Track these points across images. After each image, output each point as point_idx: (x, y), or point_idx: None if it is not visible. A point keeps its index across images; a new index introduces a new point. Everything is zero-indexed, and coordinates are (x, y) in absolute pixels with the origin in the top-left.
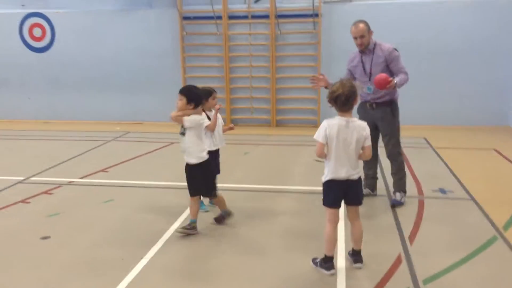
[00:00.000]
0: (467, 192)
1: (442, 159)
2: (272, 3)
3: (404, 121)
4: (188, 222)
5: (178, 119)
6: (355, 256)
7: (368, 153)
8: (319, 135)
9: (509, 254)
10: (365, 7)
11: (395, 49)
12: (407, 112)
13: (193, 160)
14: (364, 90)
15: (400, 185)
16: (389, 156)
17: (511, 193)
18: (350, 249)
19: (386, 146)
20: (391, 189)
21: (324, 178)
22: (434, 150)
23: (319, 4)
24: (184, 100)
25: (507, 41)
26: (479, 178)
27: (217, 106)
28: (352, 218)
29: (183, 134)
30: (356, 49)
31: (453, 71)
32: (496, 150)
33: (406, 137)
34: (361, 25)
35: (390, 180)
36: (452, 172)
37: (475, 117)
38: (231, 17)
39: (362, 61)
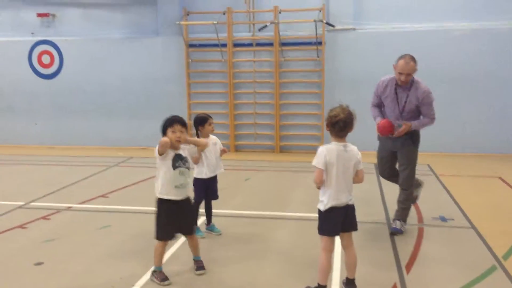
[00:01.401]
0: (468, 220)
1: (444, 187)
2: (276, 31)
3: None
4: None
5: (200, 142)
6: (350, 285)
7: (361, 177)
8: (318, 161)
9: (508, 284)
10: (368, 35)
11: (431, 92)
12: None
13: (188, 194)
14: (395, 126)
15: (402, 214)
16: (402, 184)
17: None
18: (344, 277)
19: (401, 174)
20: (391, 216)
21: (324, 207)
22: (437, 177)
23: (322, 32)
24: (184, 131)
25: (508, 69)
26: (482, 206)
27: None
28: (346, 245)
29: (188, 168)
30: (387, 77)
31: (457, 98)
32: (500, 178)
33: None
34: (412, 64)
35: (390, 206)
36: (454, 200)
37: (480, 144)
38: (236, 45)
39: (396, 94)
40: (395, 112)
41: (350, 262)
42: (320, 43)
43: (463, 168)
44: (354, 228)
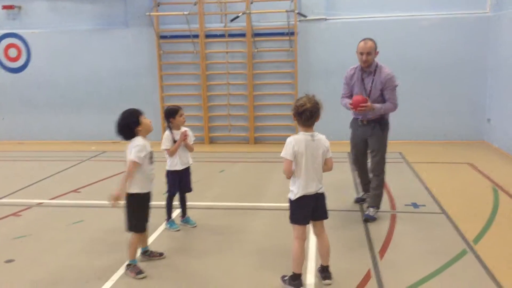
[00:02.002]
0: (440, 206)
1: (416, 174)
2: (248, 22)
3: None
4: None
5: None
6: (324, 272)
7: (330, 165)
8: (287, 152)
9: (478, 267)
10: (340, 25)
11: (394, 76)
12: None
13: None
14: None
15: (376, 201)
16: (373, 170)
17: (483, 206)
18: (319, 265)
19: (372, 160)
20: (365, 205)
21: (294, 196)
22: (408, 165)
23: (294, 23)
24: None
25: (478, 57)
26: (452, 192)
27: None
28: (318, 233)
29: (152, 162)
30: (353, 65)
31: (428, 87)
32: (470, 164)
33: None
34: (370, 43)
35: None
36: (426, 187)
37: (450, 132)
38: (207, 36)
39: (362, 79)
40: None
41: (323, 250)
42: (292, 34)
43: (434, 156)
44: (325, 216)
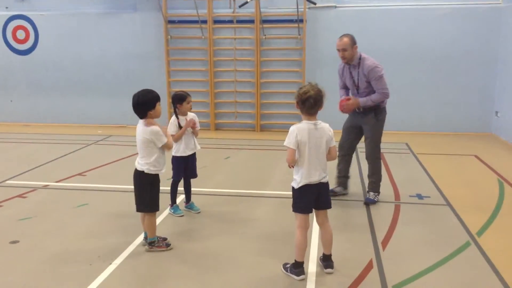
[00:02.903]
0: (444, 197)
1: (422, 165)
2: (257, 8)
3: (386, 126)
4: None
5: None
6: (326, 261)
7: (334, 154)
8: (290, 141)
9: (481, 260)
10: (350, 13)
11: (377, 67)
12: (389, 118)
13: None
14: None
15: (374, 187)
16: (367, 157)
17: (487, 199)
18: (321, 254)
19: (366, 147)
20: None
21: (297, 184)
22: (414, 155)
23: (303, 10)
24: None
25: (489, 49)
26: (457, 184)
27: (193, 121)
28: (321, 222)
29: None
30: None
31: (436, 78)
32: (476, 157)
33: (388, 142)
34: (345, 39)
35: (367, 184)
36: (431, 178)
37: (457, 124)
38: (216, 21)
39: (350, 73)
40: (354, 91)
41: (325, 239)
42: (301, 21)
43: (441, 147)
44: (328, 206)
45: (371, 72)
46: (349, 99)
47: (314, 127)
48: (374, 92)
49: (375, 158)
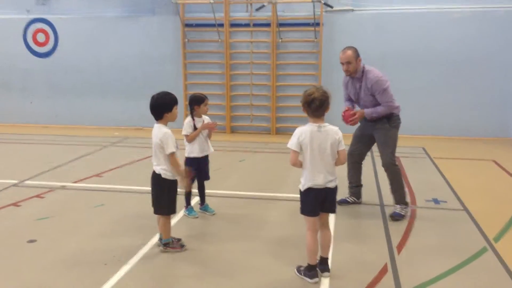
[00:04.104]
0: (461, 203)
1: (439, 170)
2: (274, 12)
3: (403, 131)
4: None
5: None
6: (323, 265)
7: (343, 157)
8: (292, 143)
9: (497, 266)
10: (367, 16)
11: (381, 79)
12: (406, 122)
13: None
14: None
15: (396, 197)
16: (384, 165)
17: (505, 204)
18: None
19: (381, 155)
20: (384, 198)
21: (302, 187)
22: (431, 160)
23: (320, 13)
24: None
25: (508, 52)
26: (475, 189)
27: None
28: (322, 225)
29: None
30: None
31: (454, 82)
32: (495, 162)
33: (404, 146)
34: (349, 52)
35: (383, 189)
36: (448, 183)
37: (475, 128)
38: (232, 25)
39: (354, 86)
40: (359, 103)
41: (324, 241)
42: (318, 24)
43: (458, 152)
44: (332, 210)
45: (374, 85)
46: (348, 110)
47: (317, 129)
48: (378, 104)
49: (391, 165)
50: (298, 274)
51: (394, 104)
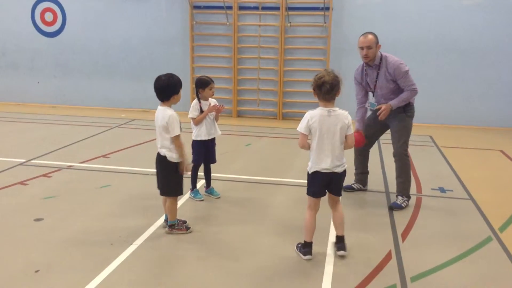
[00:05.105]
0: (467, 192)
1: (445, 158)
2: None
3: None
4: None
5: None
6: (339, 243)
7: (351, 142)
8: (301, 126)
9: (502, 255)
10: (377, 1)
11: (402, 63)
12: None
13: None
14: (367, 105)
15: (401, 188)
16: (395, 155)
17: (511, 194)
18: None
19: (393, 144)
20: (390, 187)
21: (309, 170)
22: (438, 149)
23: None
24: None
25: None
26: (481, 178)
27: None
28: (332, 204)
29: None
30: (361, 63)
31: (462, 70)
32: (502, 152)
33: (411, 134)
34: (370, 36)
35: (389, 177)
36: (454, 172)
37: (483, 117)
38: (241, 8)
39: (370, 75)
40: (373, 93)
41: (336, 221)
42: (327, 9)
43: (465, 141)
44: (338, 194)
45: (396, 70)
46: (360, 132)
47: (327, 114)
48: (396, 92)
49: (403, 155)
50: (296, 250)
51: (416, 87)
